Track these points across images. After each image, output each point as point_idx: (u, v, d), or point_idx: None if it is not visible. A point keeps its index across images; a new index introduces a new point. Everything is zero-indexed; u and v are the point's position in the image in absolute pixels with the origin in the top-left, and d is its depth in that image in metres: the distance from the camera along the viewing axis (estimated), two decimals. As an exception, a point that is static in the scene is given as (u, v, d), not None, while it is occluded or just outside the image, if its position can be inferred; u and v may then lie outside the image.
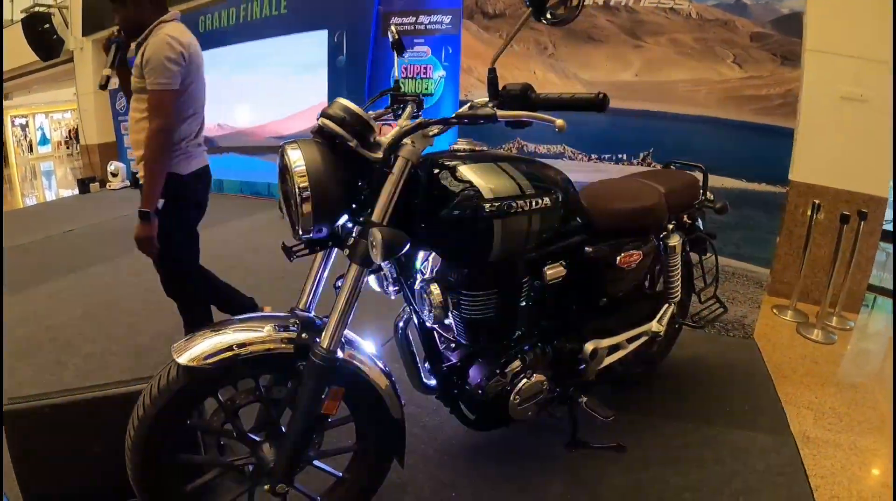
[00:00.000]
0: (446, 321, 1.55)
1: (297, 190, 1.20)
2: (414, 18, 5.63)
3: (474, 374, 1.60)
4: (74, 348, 2.79)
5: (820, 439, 2.14)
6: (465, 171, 1.38)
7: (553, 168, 1.63)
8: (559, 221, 1.57)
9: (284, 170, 1.27)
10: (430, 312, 1.43)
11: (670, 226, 1.98)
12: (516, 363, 1.61)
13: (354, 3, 6.03)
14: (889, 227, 5.93)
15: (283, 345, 1.28)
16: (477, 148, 1.51)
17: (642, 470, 1.88)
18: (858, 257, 3.28)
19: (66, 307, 3.38)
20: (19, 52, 9.90)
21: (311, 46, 6.43)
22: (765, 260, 2.99)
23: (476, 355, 1.62)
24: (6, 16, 11.75)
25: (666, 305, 2.02)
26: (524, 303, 1.62)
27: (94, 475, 1.54)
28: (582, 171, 3.12)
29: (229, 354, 1.23)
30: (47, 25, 9.43)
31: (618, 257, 1.73)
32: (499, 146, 3.25)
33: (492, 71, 1.33)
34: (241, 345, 1.24)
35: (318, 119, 1.29)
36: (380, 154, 1.28)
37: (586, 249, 1.69)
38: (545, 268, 1.60)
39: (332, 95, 6.01)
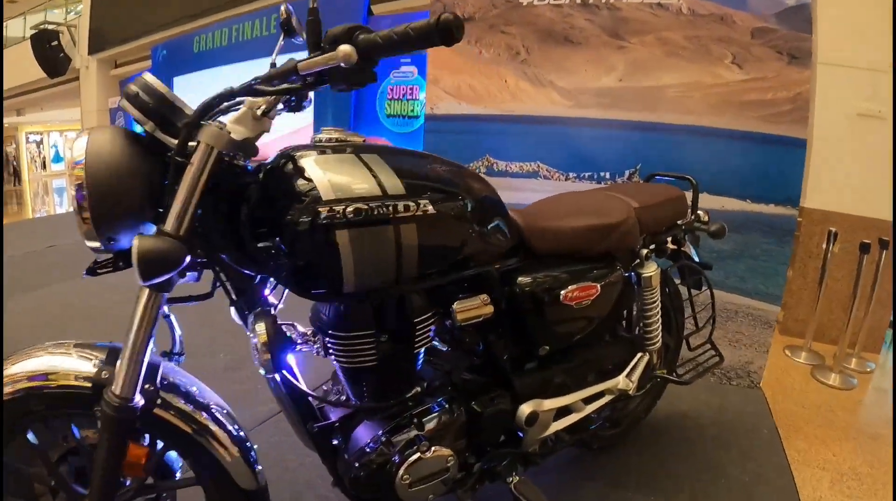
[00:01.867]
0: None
1: (72, 188, 0.87)
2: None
3: (358, 439, 1.17)
4: None
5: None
6: (310, 164, 0.99)
7: (464, 169, 1.21)
8: (466, 237, 1.14)
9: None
10: (257, 360, 1.00)
11: (645, 251, 1.54)
12: (409, 430, 1.17)
13: (342, 22, 5.78)
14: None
15: (81, 382, 0.95)
16: (349, 138, 1.09)
17: None
18: (879, 290, 2.87)
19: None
20: (28, 68, 9.98)
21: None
22: (774, 296, 2.52)
23: (360, 414, 1.20)
24: (18, 33, 11.93)
25: (640, 354, 1.57)
26: (424, 350, 1.20)
27: None
28: (558, 191, 2.69)
29: (25, 385, 0.94)
30: (55, 43, 9.51)
31: (562, 292, 1.29)
32: (468, 164, 2.85)
33: (312, 12, 0.93)
34: (42, 375, 0.95)
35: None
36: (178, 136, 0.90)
37: (519, 279, 1.26)
38: (456, 305, 1.17)
39: (319, 116, 5.76)
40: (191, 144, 0.91)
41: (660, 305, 1.59)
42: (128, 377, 0.90)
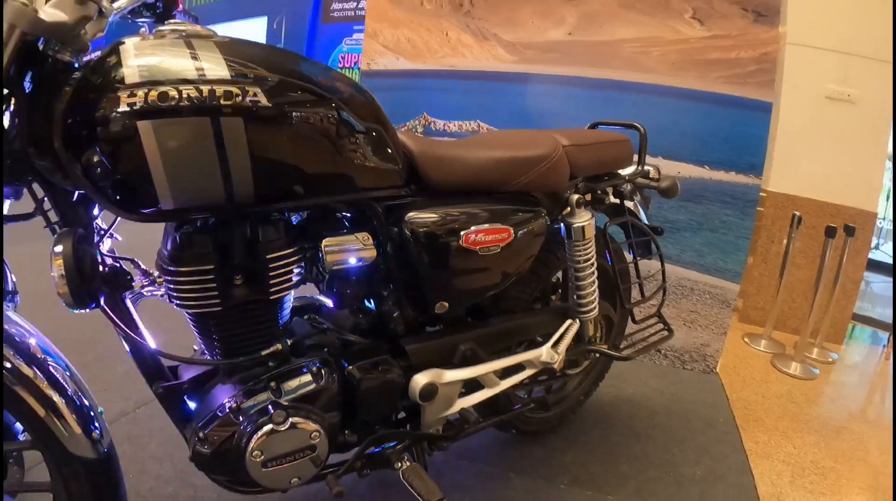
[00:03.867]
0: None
1: None
2: (355, 3, 5.05)
3: (208, 403, 0.93)
4: None
5: (801, 502, 1.50)
6: (129, 50, 0.76)
7: (333, 70, 0.95)
8: (320, 149, 0.87)
9: None
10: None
11: (576, 197, 1.28)
12: (263, 396, 0.91)
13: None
14: (873, 255, 5.43)
15: None
16: (190, 28, 0.83)
17: None
18: (844, 279, 2.76)
19: None
20: None
21: (252, 33, 6.02)
22: (734, 273, 2.32)
23: (218, 376, 0.95)
24: None
25: (569, 322, 1.32)
26: (288, 298, 0.95)
27: None
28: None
29: None
30: None
31: (462, 233, 1.03)
32: (401, 125, 2.58)
33: None
34: None
35: None
36: None
37: (408, 215, 1.00)
38: (325, 241, 0.92)
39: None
40: None
41: (595, 265, 1.34)
42: None
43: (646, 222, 1.63)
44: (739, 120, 2.27)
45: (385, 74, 2.65)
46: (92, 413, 0.91)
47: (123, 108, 0.72)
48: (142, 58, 0.75)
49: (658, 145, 2.23)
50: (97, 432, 0.90)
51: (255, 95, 0.77)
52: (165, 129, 0.74)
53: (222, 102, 0.75)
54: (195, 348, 1.06)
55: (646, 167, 1.56)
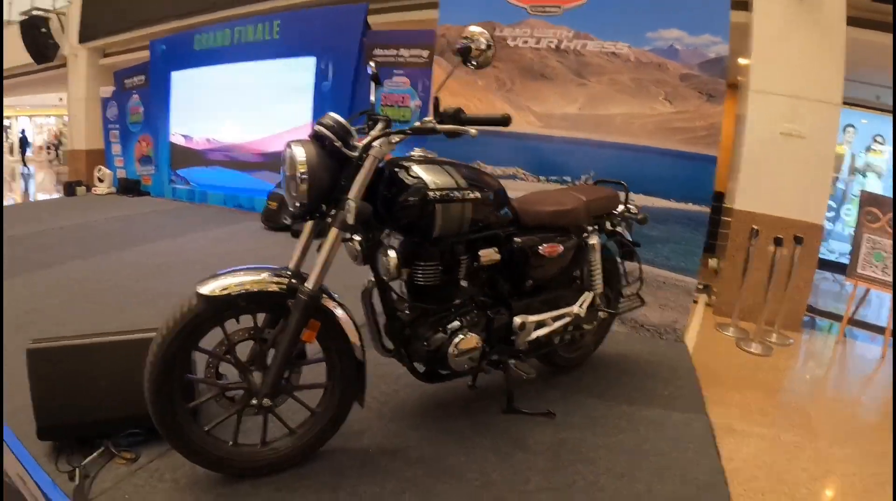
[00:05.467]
0: (402, 289, 1.97)
1: (297, 173, 1.65)
2: (395, 51, 6.12)
3: (423, 330, 1.99)
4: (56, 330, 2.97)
5: (745, 431, 2.40)
6: (417, 169, 1.84)
7: (488, 174, 2.06)
8: (490, 212, 1.99)
9: (288, 159, 1.70)
10: (385, 272, 1.84)
11: (590, 228, 2.40)
12: (456, 323, 2.00)
13: (342, 33, 6.53)
14: (827, 256, 6.59)
15: (278, 286, 1.69)
16: (429, 155, 1.93)
17: (565, 431, 2.23)
18: (797, 278, 3.60)
19: (47, 296, 3.61)
20: (13, 53, 10.13)
21: (300, 71, 6.88)
22: (692, 271, 3.42)
23: (425, 315, 2.00)
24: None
25: (587, 293, 2.43)
26: (463, 277, 2.02)
27: (101, 407, 1.86)
28: (531, 190, 3.55)
29: (237, 289, 1.63)
30: (44, 30, 9.75)
31: (540, 247, 2.15)
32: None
33: (436, 99, 1.77)
34: (247, 284, 1.65)
35: (313, 126, 1.75)
36: (356, 153, 1.72)
37: (515, 239, 2.11)
38: (480, 251, 2.01)
39: (317, 117, 6.43)
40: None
41: (600, 264, 2.45)
42: (318, 279, 1.69)
43: (630, 239, 2.73)
44: (693, 168, 3.37)
45: (450, 130, 3.75)
46: (361, 334, 1.86)
47: (430, 199, 1.78)
48: (427, 174, 1.80)
49: (638, 185, 3.32)
50: (363, 345, 1.85)
51: (476, 194, 1.89)
52: (445, 208, 1.82)
53: (467, 197, 1.87)
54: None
55: (629, 206, 2.68)
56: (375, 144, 1.73)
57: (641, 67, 3.42)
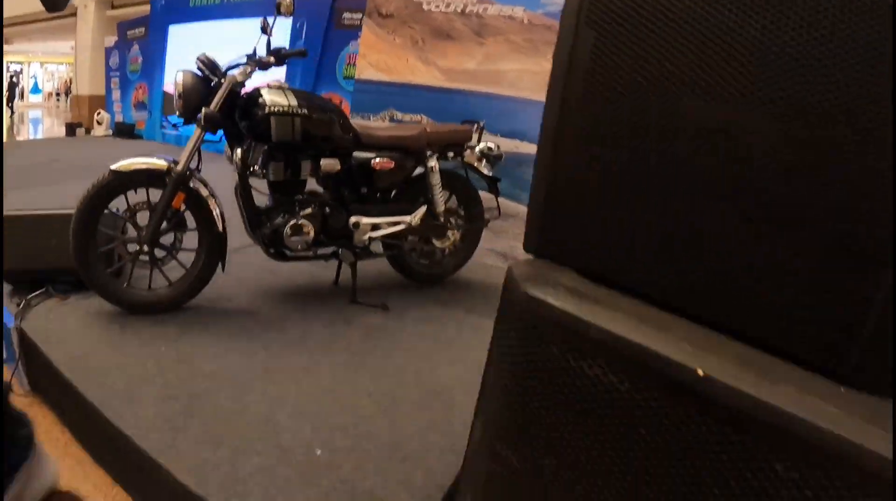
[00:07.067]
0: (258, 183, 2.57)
1: (177, 92, 2.35)
2: (361, 14, 6.55)
3: (272, 216, 2.57)
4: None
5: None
6: (265, 92, 2.43)
7: (329, 101, 2.65)
8: (324, 129, 2.53)
9: (174, 83, 2.38)
10: (236, 167, 2.49)
11: (429, 152, 2.89)
12: (293, 211, 2.57)
13: (310, 9, 7.05)
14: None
15: (162, 167, 2.33)
16: (283, 86, 2.50)
17: (393, 321, 2.69)
18: None
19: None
20: (25, 0, 10.73)
21: (279, 30, 7.28)
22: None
23: (276, 207, 2.58)
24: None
25: (423, 206, 2.93)
26: (304, 177, 2.59)
27: (48, 260, 2.52)
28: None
29: (136, 166, 2.29)
30: None
31: (373, 161, 2.69)
32: (367, 116, 4.24)
33: (268, 41, 2.35)
34: (143, 163, 2.31)
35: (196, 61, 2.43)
36: (217, 78, 2.37)
37: (354, 153, 2.66)
38: (322, 161, 2.57)
39: (290, 74, 6.99)
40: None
41: (439, 185, 2.95)
42: (185, 163, 2.30)
43: (487, 173, 3.21)
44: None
45: (369, 82, 4.29)
46: (223, 212, 2.49)
47: (267, 112, 2.37)
48: (269, 96, 2.39)
49: (526, 134, 3.81)
50: (224, 217, 2.47)
51: (304, 111, 2.42)
52: (277, 120, 2.39)
53: (295, 111, 2.42)
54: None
55: (489, 145, 3.16)
56: (231, 73, 2.37)
57: (534, 29, 3.88)
